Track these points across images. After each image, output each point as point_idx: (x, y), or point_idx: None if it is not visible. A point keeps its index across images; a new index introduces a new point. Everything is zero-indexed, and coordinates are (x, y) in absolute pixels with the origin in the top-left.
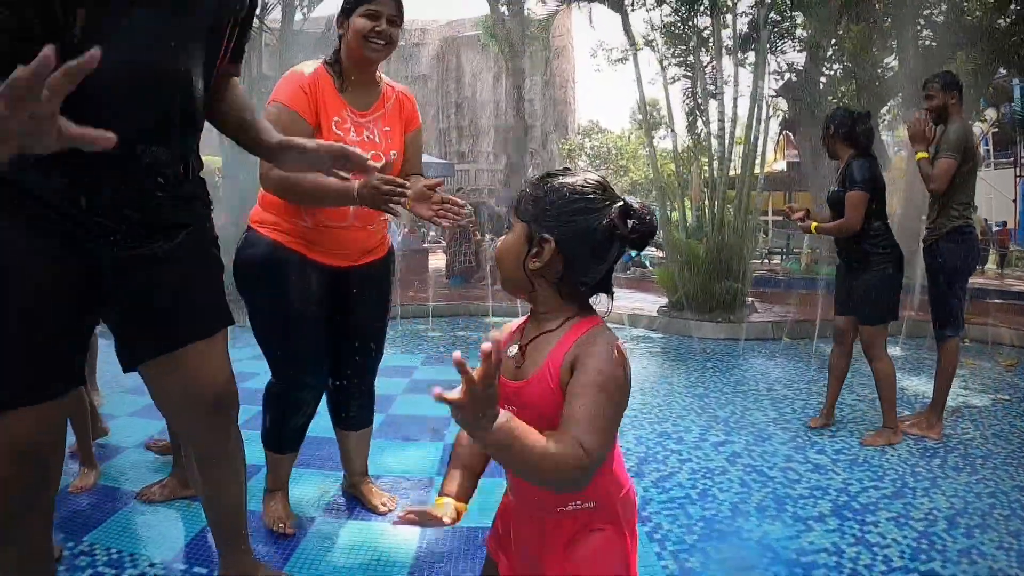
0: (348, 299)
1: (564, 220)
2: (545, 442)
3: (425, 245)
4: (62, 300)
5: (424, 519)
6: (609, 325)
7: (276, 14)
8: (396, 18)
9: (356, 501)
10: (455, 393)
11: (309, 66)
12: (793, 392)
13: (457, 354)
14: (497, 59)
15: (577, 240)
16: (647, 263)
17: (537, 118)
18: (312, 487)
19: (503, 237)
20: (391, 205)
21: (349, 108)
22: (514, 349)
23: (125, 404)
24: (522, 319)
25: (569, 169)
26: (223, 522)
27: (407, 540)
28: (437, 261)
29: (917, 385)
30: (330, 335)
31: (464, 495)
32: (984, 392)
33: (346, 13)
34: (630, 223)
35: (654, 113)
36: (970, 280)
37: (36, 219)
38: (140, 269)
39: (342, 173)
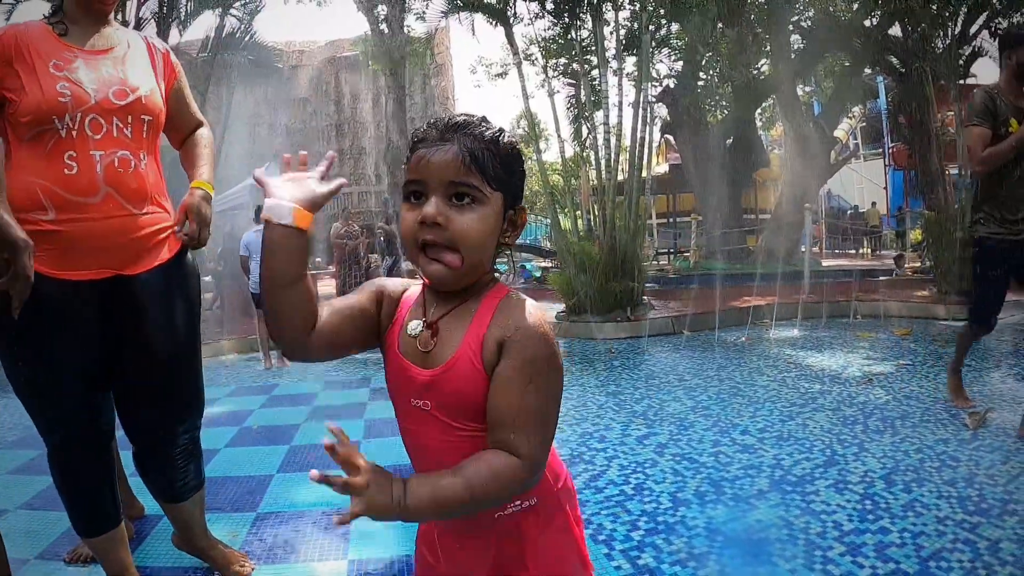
0: (121, 325)
1: (521, 183)
2: (471, 472)
3: (312, 271)
4: None
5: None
6: None
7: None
8: None
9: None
10: (355, 479)
11: (10, 24)
12: (705, 380)
13: (314, 472)
14: (377, 79)
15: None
16: (538, 275)
17: None
18: (220, 531)
19: (463, 214)
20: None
21: (75, 48)
22: (417, 326)
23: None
24: (413, 286)
25: (485, 118)
26: None
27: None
28: (326, 287)
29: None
30: (102, 376)
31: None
32: (887, 360)
33: None
34: None
35: (537, 125)
36: (852, 262)
37: None
38: None
39: None
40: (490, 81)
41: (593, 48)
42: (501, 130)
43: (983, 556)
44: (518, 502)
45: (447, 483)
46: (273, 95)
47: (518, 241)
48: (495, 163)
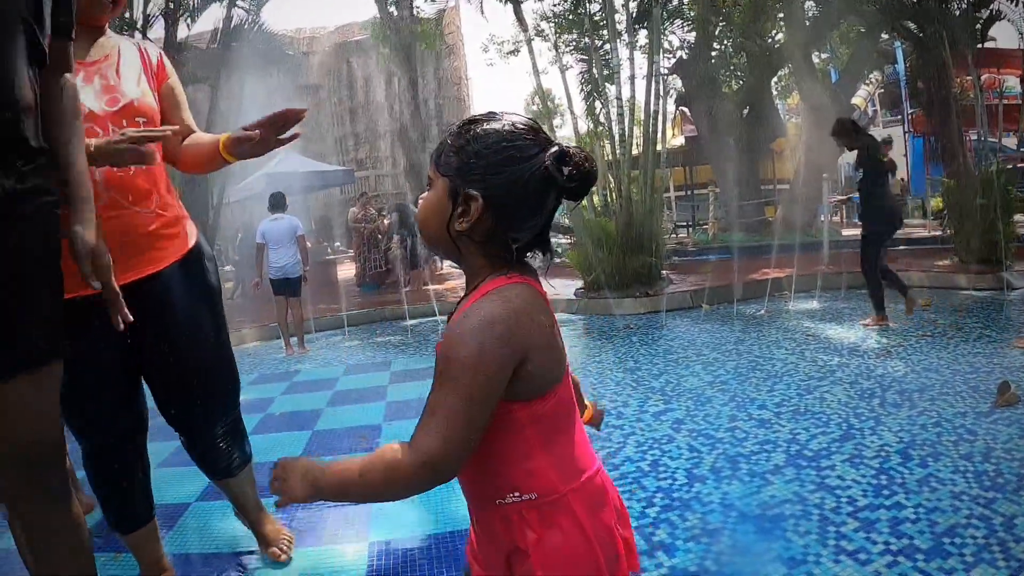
0: (147, 324)
1: (492, 171)
2: (368, 459)
3: (331, 256)
4: None
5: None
6: None
7: (157, 27)
8: None
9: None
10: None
11: None
12: (723, 354)
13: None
14: (389, 62)
15: (508, 193)
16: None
17: (433, 117)
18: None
19: (423, 196)
20: (139, 151)
21: (76, 62)
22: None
23: None
24: None
25: (495, 113)
26: None
27: (352, 567)
28: (346, 271)
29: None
30: (135, 375)
31: None
32: (907, 331)
33: None
34: (566, 170)
35: (551, 101)
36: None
37: None
38: None
39: None
40: (502, 59)
41: (604, 22)
42: (469, 120)
43: (997, 532)
44: (515, 493)
45: (346, 467)
46: (285, 83)
47: None
48: (447, 150)
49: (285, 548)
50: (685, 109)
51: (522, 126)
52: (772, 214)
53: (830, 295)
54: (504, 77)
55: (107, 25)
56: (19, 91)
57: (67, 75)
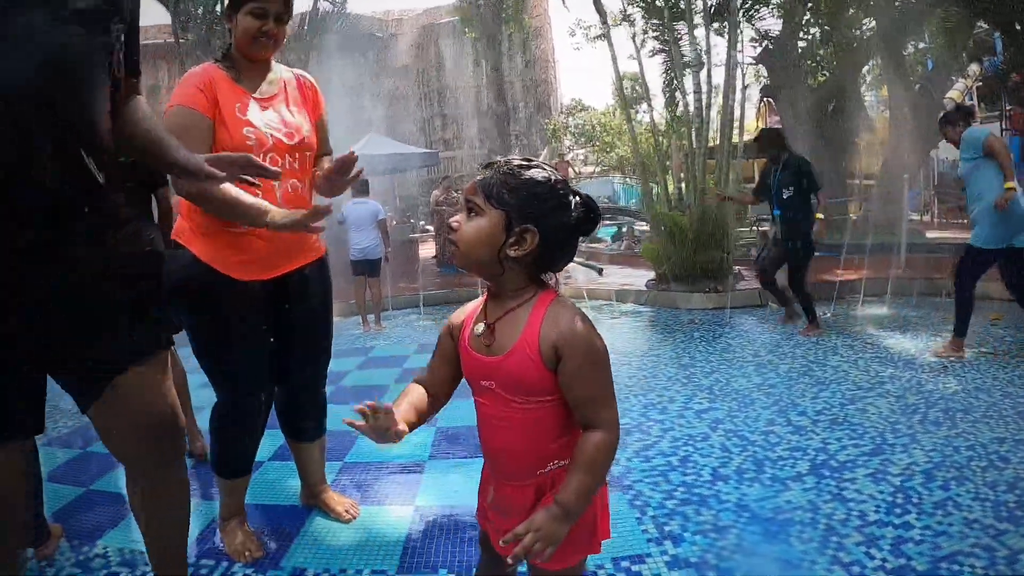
0: (287, 309)
1: (546, 213)
2: (586, 459)
3: (415, 235)
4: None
5: (377, 423)
6: (599, 302)
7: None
8: (284, 14)
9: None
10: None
11: (200, 67)
12: (778, 357)
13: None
14: (476, 44)
15: (555, 230)
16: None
17: (519, 100)
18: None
19: (468, 222)
20: (312, 225)
21: (250, 95)
22: (481, 328)
23: None
24: (475, 302)
25: (532, 160)
26: (166, 557)
27: (394, 526)
28: (428, 249)
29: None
30: (272, 348)
31: (408, 422)
32: (968, 346)
33: (234, 6)
34: (592, 215)
35: (636, 88)
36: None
37: None
38: (54, 304)
39: (250, 179)
40: (589, 43)
41: (683, 11)
42: (517, 164)
43: (998, 565)
44: (556, 460)
45: (574, 481)
46: (373, 65)
47: (620, 205)
48: (501, 188)
49: (349, 508)
50: (771, 100)
51: (558, 177)
52: (855, 212)
53: (901, 302)
54: (592, 60)
55: (271, 59)
56: (103, 120)
57: (138, 97)
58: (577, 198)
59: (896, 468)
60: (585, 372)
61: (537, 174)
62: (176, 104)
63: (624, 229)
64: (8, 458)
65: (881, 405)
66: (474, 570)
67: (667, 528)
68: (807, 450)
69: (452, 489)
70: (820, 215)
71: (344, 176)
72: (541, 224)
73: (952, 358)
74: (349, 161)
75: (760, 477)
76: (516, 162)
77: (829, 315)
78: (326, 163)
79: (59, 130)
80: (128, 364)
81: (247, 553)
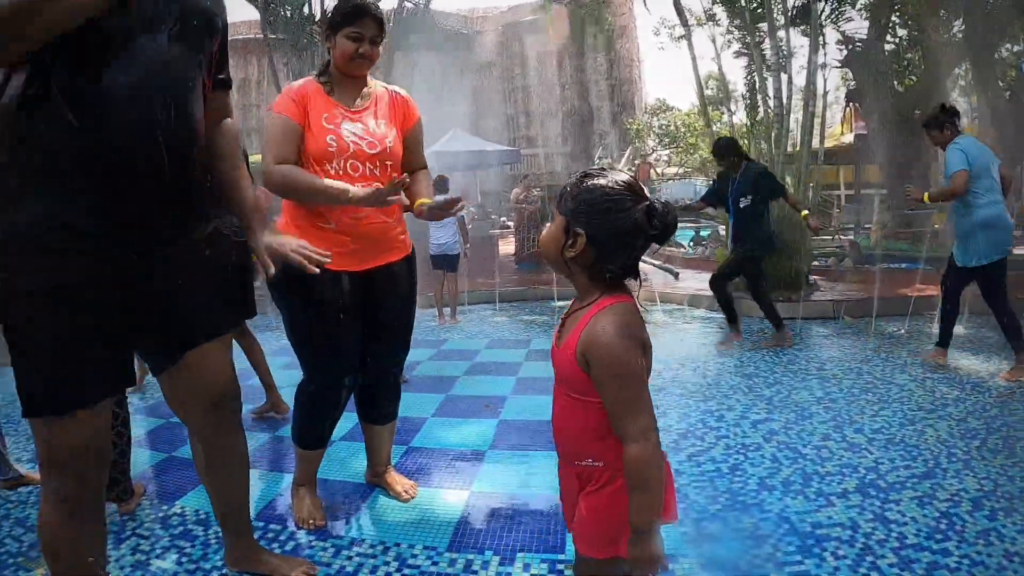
0: (374, 301)
1: (595, 217)
2: (632, 481)
3: (495, 231)
4: (101, 327)
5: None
6: (672, 307)
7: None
8: (378, 37)
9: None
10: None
11: (301, 81)
12: (843, 371)
13: None
14: (561, 41)
15: (605, 234)
16: (705, 234)
17: (603, 99)
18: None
19: (547, 225)
20: (389, 197)
21: (341, 107)
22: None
23: None
24: None
25: (605, 169)
26: (229, 513)
27: (449, 508)
28: (508, 246)
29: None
30: (359, 335)
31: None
32: None
33: (333, 28)
34: (654, 221)
35: (719, 89)
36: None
37: (70, 267)
38: (148, 284)
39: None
40: (674, 42)
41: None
42: (584, 173)
43: None
44: (590, 459)
45: (634, 500)
46: (458, 61)
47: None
48: (567, 195)
49: (408, 489)
50: (857, 105)
51: (621, 183)
52: (940, 223)
53: (979, 321)
54: (676, 60)
55: (368, 75)
56: (197, 135)
57: (228, 119)
58: (642, 203)
59: (944, 493)
60: (606, 382)
61: (597, 181)
62: (274, 111)
63: (706, 233)
64: (103, 414)
65: (940, 428)
66: (518, 554)
67: (706, 531)
68: (857, 468)
69: (508, 478)
70: (806, 211)
71: (447, 213)
72: (590, 227)
73: (1021, 381)
74: (455, 204)
75: (805, 491)
76: (587, 171)
77: (903, 331)
78: (422, 179)
79: (173, 133)
80: (203, 340)
81: (311, 521)
